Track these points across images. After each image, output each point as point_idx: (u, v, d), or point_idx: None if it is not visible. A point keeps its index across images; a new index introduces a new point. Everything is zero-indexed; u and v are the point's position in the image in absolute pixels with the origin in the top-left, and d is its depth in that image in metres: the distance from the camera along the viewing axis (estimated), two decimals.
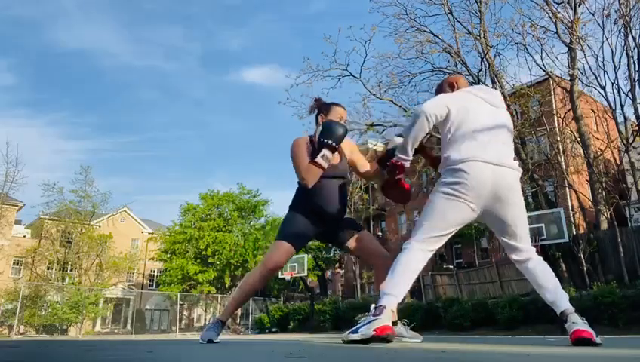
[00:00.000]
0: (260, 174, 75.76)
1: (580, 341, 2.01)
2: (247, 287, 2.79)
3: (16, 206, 29.34)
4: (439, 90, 2.59)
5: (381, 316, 2.10)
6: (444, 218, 2.21)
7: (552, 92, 17.95)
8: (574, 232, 14.71)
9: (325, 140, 2.56)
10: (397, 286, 2.17)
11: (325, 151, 2.56)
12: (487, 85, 14.58)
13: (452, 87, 2.53)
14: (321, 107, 2.85)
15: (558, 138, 16.04)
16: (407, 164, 2.41)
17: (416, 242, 2.24)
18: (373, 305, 2.19)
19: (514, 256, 2.33)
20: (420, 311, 12.19)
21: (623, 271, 12.29)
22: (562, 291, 2.22)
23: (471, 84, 2.66)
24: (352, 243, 2.81)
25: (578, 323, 2.04)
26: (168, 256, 28.61)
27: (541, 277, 2.25)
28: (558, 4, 13.90)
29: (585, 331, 2.02)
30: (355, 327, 2.18)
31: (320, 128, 2.65)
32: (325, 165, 2.59)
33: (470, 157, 2.17)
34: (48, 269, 27.99)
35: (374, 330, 2.07)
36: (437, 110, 2.24)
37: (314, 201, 2.72)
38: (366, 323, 2.13)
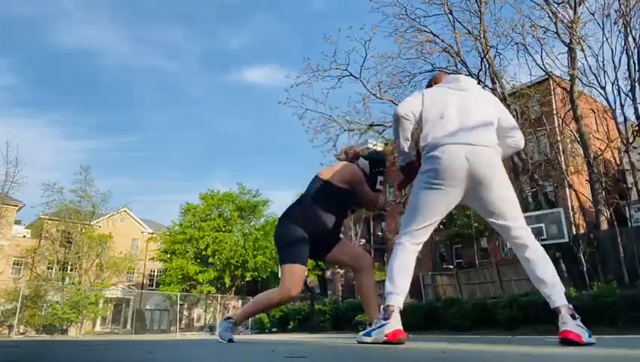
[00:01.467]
0: (260, 174, 75.78)
1: (565, 341, 1.98)
2: (262, 306, 2.86)
3: (16, 206, 29.34)
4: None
5: (390, 320, 2.10)
6: (427, 207, 2.23)
7: (552, 92, 17.94)
8: (574, 232, 14.70)
9: (379, 169, 2.81)
10: (398, 283, 2.19)
11: (380, 178, 2.80)
12: (487, 85, 14.57)
13: (430, 86, 2.56)
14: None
15: (558, 138, 16.02)
16: (415, 160, 2.46)
17: (406, 237, 2.26)
18: (382, 306, 2.20)
19: (509, 239, 2.24)
20: (420, 311, 12.15)
21: (623, 271, 12.28)
22: (561, 287, 2.15)
23: None
24: (335, 252, 2.88)
25: (567, 324, 2.00)
26: (168, 256, 28.61)
27: (539, 268, 2.16)
28: (558, 4, 13.87)
29: (571, 332, 1.97)
30: (367, 330, 2.21)
31: (369, 161, 2.83)
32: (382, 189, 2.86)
33: (439, 142, 2.18)
34: (48, 269, 27.99)
35: (386, 335, 2.08)
36: (409, 107, 2.31)
37: (318, 221, 2.74)
38: (377, 327, 2.14)
